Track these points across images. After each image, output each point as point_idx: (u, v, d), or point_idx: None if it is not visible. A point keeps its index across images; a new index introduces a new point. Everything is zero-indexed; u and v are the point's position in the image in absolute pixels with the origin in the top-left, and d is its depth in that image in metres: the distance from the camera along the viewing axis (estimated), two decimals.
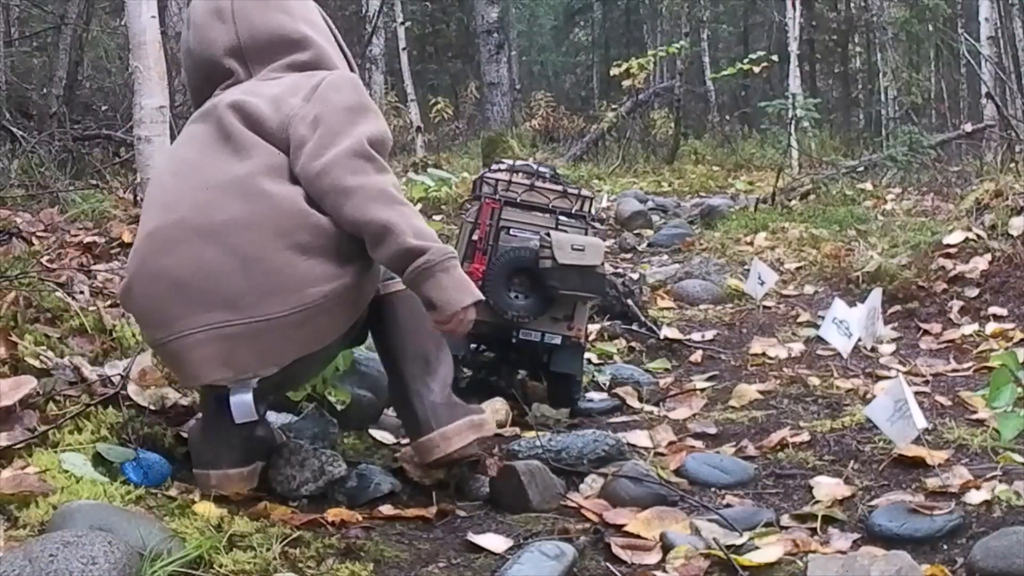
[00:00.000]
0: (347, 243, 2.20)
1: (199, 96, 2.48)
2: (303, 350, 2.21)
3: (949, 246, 4.54)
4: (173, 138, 4.83)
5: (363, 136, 2.25)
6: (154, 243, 2.20)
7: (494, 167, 3.30)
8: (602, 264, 3.10)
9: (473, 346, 3.23)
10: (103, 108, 8.39)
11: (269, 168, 2.23)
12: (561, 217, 3.16)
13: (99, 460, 2.30)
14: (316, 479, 2.40)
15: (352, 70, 2.52)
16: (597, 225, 3.43)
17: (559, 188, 3.21)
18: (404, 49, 10.83)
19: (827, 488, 2.41)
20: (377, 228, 2.17)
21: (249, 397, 2.20)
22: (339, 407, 2.77)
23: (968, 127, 9.34)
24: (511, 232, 3.11)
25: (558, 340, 3.11)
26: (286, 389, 2.54)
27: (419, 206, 6.86)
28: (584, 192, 3.26)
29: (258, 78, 2.40)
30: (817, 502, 2.35)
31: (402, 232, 2.16)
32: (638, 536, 2.20)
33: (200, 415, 2.45)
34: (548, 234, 3.03)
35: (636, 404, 3.34)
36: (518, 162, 3.35)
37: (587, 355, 3.62)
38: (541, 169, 3.30)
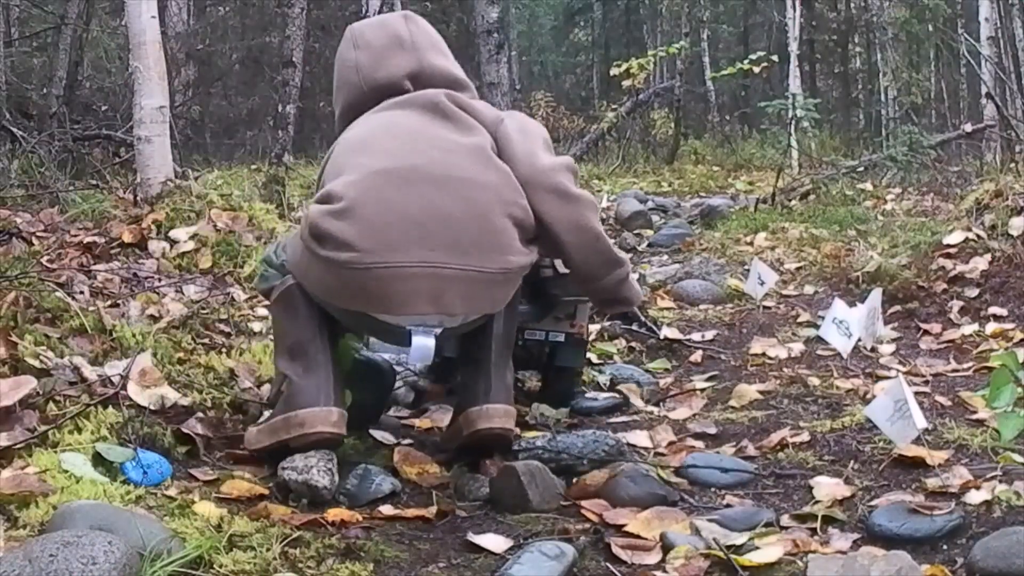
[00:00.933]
0: (535, 228, 2.51)
1: (355, 110, 2.73)
2: (492, 308, 2.47)
3: (949, 246, 4.54)
4: (173, 137, 4.85)
5: (569, 159, 2.66)
6: (387, 179, 2.38)
7: None
8: None
9: None
10: (103, 108, 8.39)
11: (492, 146, 2.53)
12: None
13: (99, 460, 2.30)
14: (300, 472, 2.38)
15: None
16: None
17: None
18: None
19: (827, 488, 2.40)
20: (593, 235, 2.60)
21: (432, 341, 2.38)
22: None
23: (968, 127, 9.34)
24: None
25: (561, 337, 3.19)
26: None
27: None
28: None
29: None
30: (817, 502, 2.35)
31: (609, 244, 2.67)
32: (638, 536, 2.20)
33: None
34: None
35: (639, 402, 3.34)
36: None
37: (588, 355, 3.62)
38: None
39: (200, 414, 2.67)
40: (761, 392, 3.33)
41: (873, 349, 3.74)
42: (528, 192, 2.50)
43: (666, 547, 2.11)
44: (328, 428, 2.39)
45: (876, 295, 3.70)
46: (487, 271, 2.38)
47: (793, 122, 9.47)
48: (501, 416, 2.55)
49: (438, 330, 2.40)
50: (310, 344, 2.47)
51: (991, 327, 3.87)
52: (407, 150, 2.45)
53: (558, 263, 3.03)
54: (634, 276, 2.72)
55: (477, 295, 2.39)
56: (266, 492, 2.37)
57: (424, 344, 2.39)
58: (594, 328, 3.99)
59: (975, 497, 2.21)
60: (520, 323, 3.08)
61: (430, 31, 2.88)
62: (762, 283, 4.49)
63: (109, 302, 3.40)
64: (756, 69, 10.55)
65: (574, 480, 2.52)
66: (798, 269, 5.38)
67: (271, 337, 3.39)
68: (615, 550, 2.12)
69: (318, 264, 2.39)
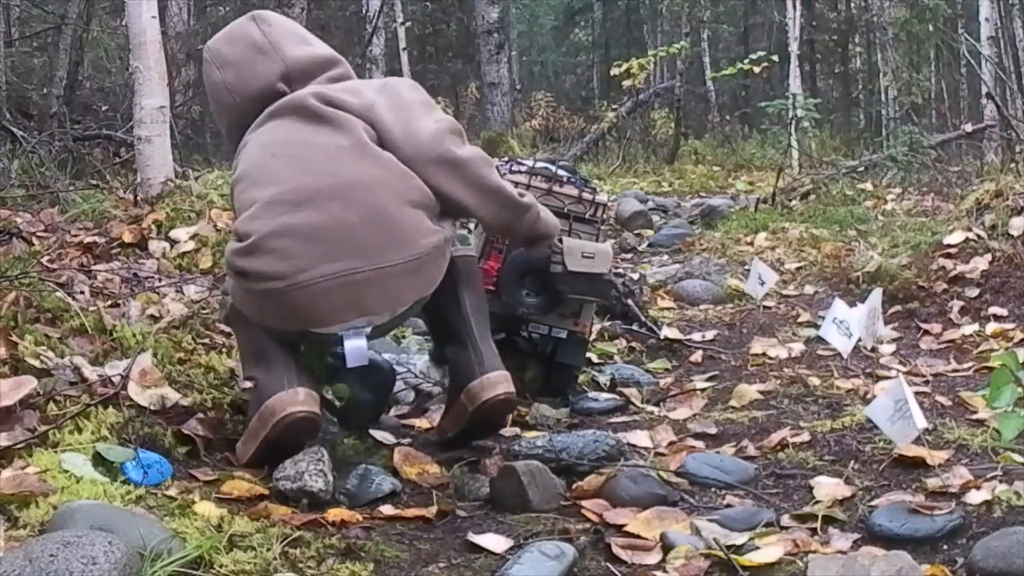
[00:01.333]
0: (437, 203, 2.56)
1: (241, 127, 2.76)
2: (419, 294, 2.53)
3: (949, 246, 4.54)
4: (173, 137, 4.85)
5: (449, 119, 2.67)
6: (280, 207, 2.47)
7: (514, 167, 3.36)
8: (609, 271, 3.20)
9: None
10: (103, 108, 8.39)
11: (371, 138, 2.56)
12: (575, 223, 3.27)
13: (99, 460, 2.30)
14: (293, 480, 2.38)
15: None
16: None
17: (574, 194, 3.30)
18: (404, 49, 10.84)
19: (827, 488, 2.40)
20: (492, 190, 2.63)
21: (363, 343, 2.47)
22: (337, 403, 2.77)
23: (968, 127, 9.34)
24: None
25: (564, 334, 3.23)
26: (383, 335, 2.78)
27: None
28: (599, 198, 3.32)
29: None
30: (817, 502, 2.35)
31: (511, 193, 2.69)
32: (638, 536, 2.20)
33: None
34: (560, 240, 3.11)
35: (639, 402, 3.35)
36: (538, 164, 3.39)
37: (588, 355, 3.63)
38: (559, 171, 3.37)
39: (200, 414, 2.67)
40: (761, 392, 3.33)
41: (873, 349, 3.74)
42: (418, 170, 2.55)
43: (666, 547, 2.11)
44: (296, 407, 2.42)
45: (876, 295, 3.70)
46: (398, 263, 2.46)
47: (793, 122, 9.47)
48: (503, 382, 2.63)
49: (367, 329, 2.50)
50: (267, 348, 2.55)
51: (991, 327, 3.87)
52: (293, 170, 2.53)
53: (568, 259, 3.10)
54: (545, 211, 2.83)
55: (396, 288, 2.48)
56: (266, 492, 2.37)
57: (357, 346, 2.47)
58: (594, 328, 3.99)
59: (975, 497, 2.21)
60: (526, 315, 3.18)
61: (283, 23, 2.84)
62: (762, 283, 4.49)
63: (109, 302, 3.40)
64: (756, 69, 10.55)
65: (574, 480, 2.53)
66: (798, 269, 5.39)
67: None
68: (615, 550, 2.12)
69: (246, 295, 2.55)
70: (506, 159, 3.57)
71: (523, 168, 3.34)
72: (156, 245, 4.23)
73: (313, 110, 2.60)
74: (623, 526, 2.25)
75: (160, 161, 4.57)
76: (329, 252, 2.42)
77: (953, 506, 2.19)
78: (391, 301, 2.49)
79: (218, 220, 4.43)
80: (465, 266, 2.78)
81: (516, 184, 3.15)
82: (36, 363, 2.63)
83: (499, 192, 2.66)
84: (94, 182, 5.83)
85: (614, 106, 13.22)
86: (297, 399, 2.44)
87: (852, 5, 16.89)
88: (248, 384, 2.57)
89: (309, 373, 2.58)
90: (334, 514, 2.26)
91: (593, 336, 3.85)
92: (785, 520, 2.28)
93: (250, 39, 2.77)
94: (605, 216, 3.30)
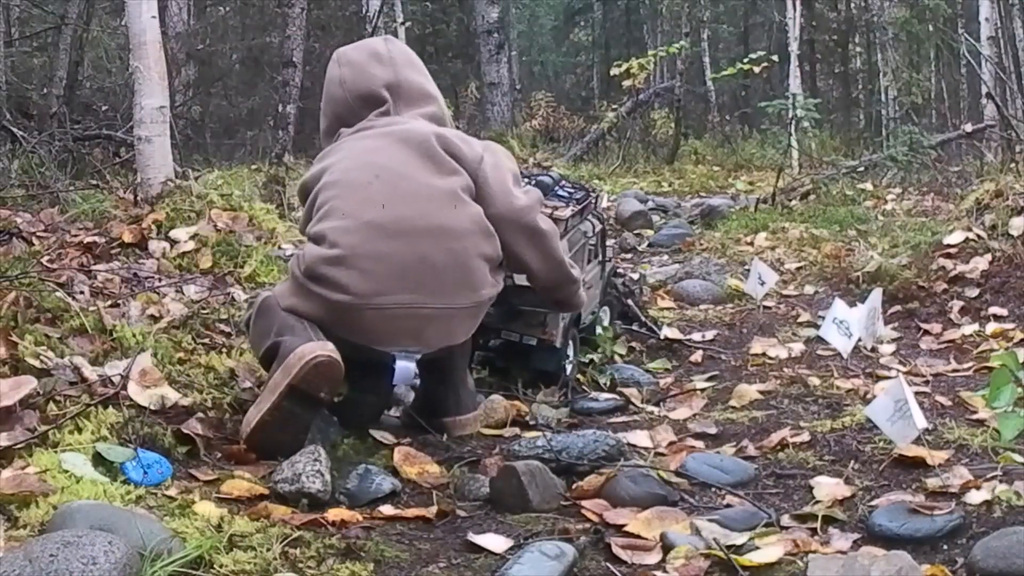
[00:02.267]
0: (501, 259, 2.87)
1: (341, 120, 3.03)
2: (465, 335, 2.83)
3: (949, 246, 4.54)
4: (173, 137, 4.85)
5: (536, 192, 3.06)
6: (378, 232, 2.70)
7: None
8: None
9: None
10: (103, 108, 8.40)
11: (466, 188, 2.82)
12: None
13: (99, 460, 2.30)
14: (291, 483, 2.38)
15: None
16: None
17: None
18: None
19: (827, 488, 2.40)
20: (557, 263, 3.02)
21: (413, 365, 2.72)
22: (335, 399, 2.77)
23: (968, 127, 9.33)
24: None
25: (534, 342, 3.33)
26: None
27: None
28: (558, 213, 3.34)
29: (409, 116, 2.98)
30: (817, 502, 2.35)
31: (568, 268, 3.08)
32: (638, 536, 2.20)
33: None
34: None
35: (640, 404, 3.35)
36: (535, 178, 3.52)
37: (590, 355, 3.63)
38: (542, 178, 3.50)
39: (200, 414, 2.67)
40: (761, 392, 3.33)
41: (873, 349, 3.74)
42: (501, 228, 2.86)
43: (666, 547, 2.11)
44: (325, 352, 2.52)
45: (876, 295, 3.70)
46: (463, 307, 2.76)
47: (793, 122, 9.47)
48: (471, 424, 2.95)
49: (418, 356, 2.75)
50: (295, 324, 2.66)
51: (991, 327, 3.87)
52: (395, 199, 2.75)
53: (515, 275, 3.19)
54: (582, 288, 3.21)
55: (453, 328, 2.78)
56: (266, 492, 2.37)
57: (407, 367, 2.73)
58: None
59: (975, 497, 2.21)
60: (493, 324, 3.28)
61: (407, 51, 3.16)
62: (762, 283, 4.49)
63: (109, 302, 3.40)
64: (756, 69, 10.55)
65: (574, 480, 2.53)
66: (798, 269, 5.39)
67: None
68: (615, 550, 2.12)
69: (311, 298, 2.70)
70: None
71: None
72: (156, 245, 4.23)
73: (431, 151, 2.83)
74: (623, 526, 2.25)
75: (160, 161, 4.57)
76: (409, 285, 2.68)
77: (953, 506, 2.19)
78: (447, 336, 2.78)
79: (218, 220, 4.43)
80: None
81: None
82: (36, 363, 2.63)
83: (562, 265, 3.05)
84: (94, 182, 5.83)
85: (614, 106, 13.21)
86: (326, 347, 2.54)
87: (852, 5, 16.88)
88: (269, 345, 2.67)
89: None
90: (334, 514, 2.26)
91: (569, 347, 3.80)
92: (785, 520, 2.28)
93: (373, 49, 3.08)
94: (564, 230, 3.33)
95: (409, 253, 2.69)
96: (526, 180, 3.44)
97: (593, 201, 3.67)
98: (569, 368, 3.44)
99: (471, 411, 2.96)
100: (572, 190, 3.56)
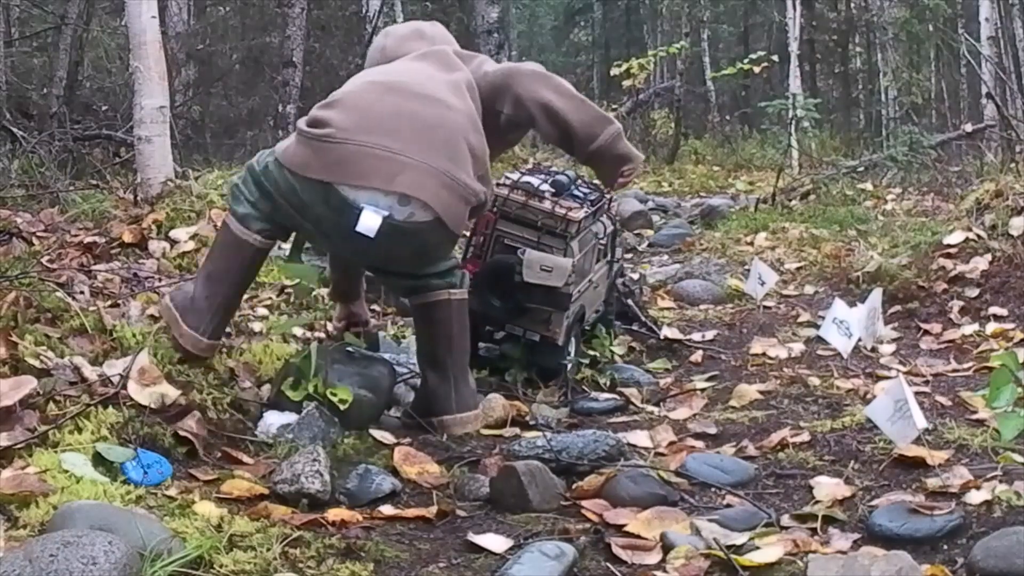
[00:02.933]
0: (486, 165, 2.92)
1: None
2: (436, 211, 2.74)
3: (949, 246, 4.54)
4: (173, 137, 4.84)
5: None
6: (374, 87, 2.87)
7: (519, 174, 3.57)
8: (566, 284, 3.29)
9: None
10: (103, 108, 8.40)
11: (469, 84, 2.99)
12: (544, 235, 3.37)
13: (99, 460, 2.30)
14: (291, 483, 2.39)
15: None
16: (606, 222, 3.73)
17: (547, 208, 3.38)
18: None
19: (827, 488, 2.40)
20: (579, 99, 3.15)
21: (378, 220, 2.69)
22: (341, 407, 2.77)
23: (968, 127, 9.33)
24: (505, 242, 3.39)
25: (537, 338, 3.36)
26: (386, 272, 3.09)
27: None
28: (572, 215, 3.37)
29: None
30: (817, 502, 2.35)
31: (594, 105, 3.23)
32: (638, 536, 2.20)
33: None
34: (523, 252, 3.29)
35: (640, 404, 3.35)
36: (532, 175, 3.54)
37: (591, 353, 3.64)
38: (559, 177, 3.51)
39: (197, 413, 2.67)
40: (761, 392, 3.33)
41: (873, 349, 3.74)
42: (514, 86, 3.04)
43: (666, 547, 2.11)
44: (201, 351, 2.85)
45: (876, 295, 3.70)
46: (440, 169, 2.74)
47: (793, 122, 9.47)
48: (472, 422, 2.96)
49: (385, 212, 2.71)
50: (224, 279, 2.88)
51: (991, 327, 3.87)
52: (397, 71, 2.97)
53: (526, 271, 3.25)
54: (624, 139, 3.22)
55: (425, 183, 2.72)
56: (266, 492, 2.37)
57: (371, 218, 2.70)
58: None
59: (975, 497, 2.21)
60: (499, 318, 3.38)
61: (448, 35, 3.31)
62: (762, 283, 4.49)
63: (109, 302, 3.40)
64: (756, 69, 10.55)
65: (574, 480, 2.53)
66: (798, 269, 5.38)
67: (272, 336, 3.41)
68: (615, 550, 2.12)
69: (301, 143, 2.77)
70: (534, 164, 3.87)
71: (507, 181, 3.48)
72: (156, 245, 4.23)
73: (438, 54, 3.06)
74: (623, 526, 2.25)
75: (160, 161, 4.57)
76: (393, 131, 2.73)
77: (953, 506, 2.19)
78: (418, 188, 2.72)
79: (218, 220, 4.43)
80: (459, 307, 3.00)
81: (496, 197, 3.36)
82: (36, 363, 2.63)
83: (584, 101, 3.14)
84: (94, 182, 5.83)
85: (614, 106, 13.20)
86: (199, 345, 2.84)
87: (852, 5, 16.88)
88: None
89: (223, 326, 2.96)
90: (334, 514, 2.26)
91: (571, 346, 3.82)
92: (785, 520, 2.28)
93: (419, 28, 3.27)
94: (576, 231, 3.39)
95: (402, 104, 2.80)
96: (542, 177, 3.51)
97: (607, 203, 3.70)
98: (569, 366, 3.46)
99: (471, 409, 2.96)
100: (587, 190, 3.57)
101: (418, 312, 3.03)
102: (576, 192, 3.52)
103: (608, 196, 3.68)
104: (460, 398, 2.95)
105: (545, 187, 3.47)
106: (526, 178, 3.50)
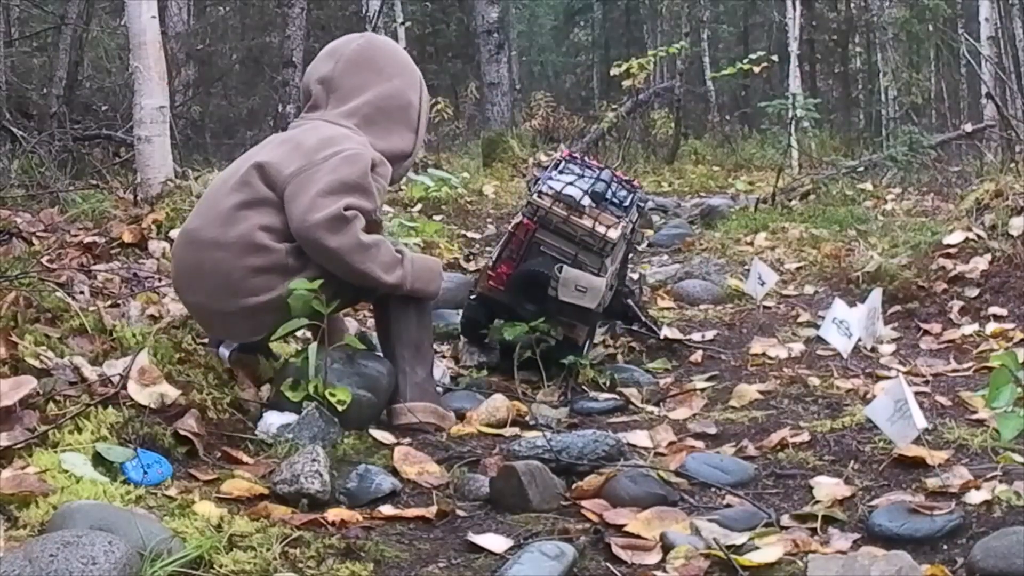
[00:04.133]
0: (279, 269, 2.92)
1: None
2: (252, 334, 3.01)
3: (949, 246, 4.54)
4: (173, 137, 4.85)
5: (342, 205, 2.87)
6: (181, 238, 3.08)
7: (553, 178, 3.64)
8: (600, 303, 3.47)
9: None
10: (103, 108, 8.40)
11: (251, 203, 2.93)
12: (582, 251, 3.50)
13: (99, 460, 2.30)
14: (290, 483, 2.39)
15: (412, 150, 3.22)
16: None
17: (588, 226, 3.48)
18: (404, 49, 10.85)
19: (827, 488, 2.40)
20: (359, 276, 2.94)
21: (226, 352, 3.07)
22: (339, 407, 2.77)
23: (968, 127, 9.32)
24: (541, 249, 3.52)
25: (560, 337, 3.51)
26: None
27: (419, 206, 6.86)
28: (610, 234, 3.47)
29: (335, 113, 3.10)
30: (817, 502, 2.35)
31: (385, 278, 2.96)
32: (638, 536, 2.20)
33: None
34: (561, 269, 3.43)
35: (640, 404, 3.35)
36: (569, 183, 3.60)
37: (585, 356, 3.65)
38: (596, 187, 3.59)
39: (197, 412, 2.67)
40: (761, 392, 3.33)
41: (873, 349, 3.74)
42: (302, 245, 2.90)
43: (666, 547, 2.11)
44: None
45: (876, 295, 3.70)
46: (230, 311, 2.94)
47: (793, 122, 9.46)
48: (421, 412, 3.01)
49: (234, 345, 3.08)
50: None
51: (991, 327, 3.87)
52: (200, 211, 3.07)
53: (561, 289, 3.41)
54: (415, 276, 3.06)
55: (233, 326, 3.00)
56: (266, 492, 2.37)
57: (223, 352, 3.07)
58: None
59: (975, 497, 2.21)
60: (526, 319, 3.49)
61: (370, 50, 3.19)
62: (762, 283, 4.49)
63: (109, 302, 3.40)
64: (756, 69, 10.53)
65: (574, 480, 2.53)
66: (798, 269, 5.38)
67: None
68: (615, 550, 2.12)
69: None
70: (555, 162, 3.83)
71: (557, 184, 3.58)
72: (156, 245, 4.23)
73: (245, 172, 2.98)
74: (623, 526, 2.25)
75: (160, 161, 4.58)
76: (193, 287, 3.01)
77: (953, 506, 2.19)
78: (234, 332, 3.04)
79: None
80: (399, 306, 3.09)
81: (538, 208, 3.50)
82: (36, 363, 2.63)
83: (365, 277, 2.95)
84: (94, 182, 5.84)
85: (614, 106, 13.20)
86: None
87: (852, 5, 16.88)
88: None
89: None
90: (334, 514, 2.26)
91: (596, 341, 3.88)
92: (785, 520, 2.28)
93: (334, 45, 3.23)
94: (613, 248, 3.53)
95: (192, 259, 2.99)
96: (578, 173, 3.65)
97: (640, 204, 3.81)
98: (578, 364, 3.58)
99: (416, 400, 3.03)
100: (623, 192, 3.68)
101: (375, 310, 3.24)
102: (614, 198, 3.61)
103: (638, 188, 3.82)
104: (412, 388, 3.03)
105: (586, 200, 3.54)
106: (567, 181, 3.59)
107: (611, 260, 3.54)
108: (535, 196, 3.56)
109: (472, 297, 3.71)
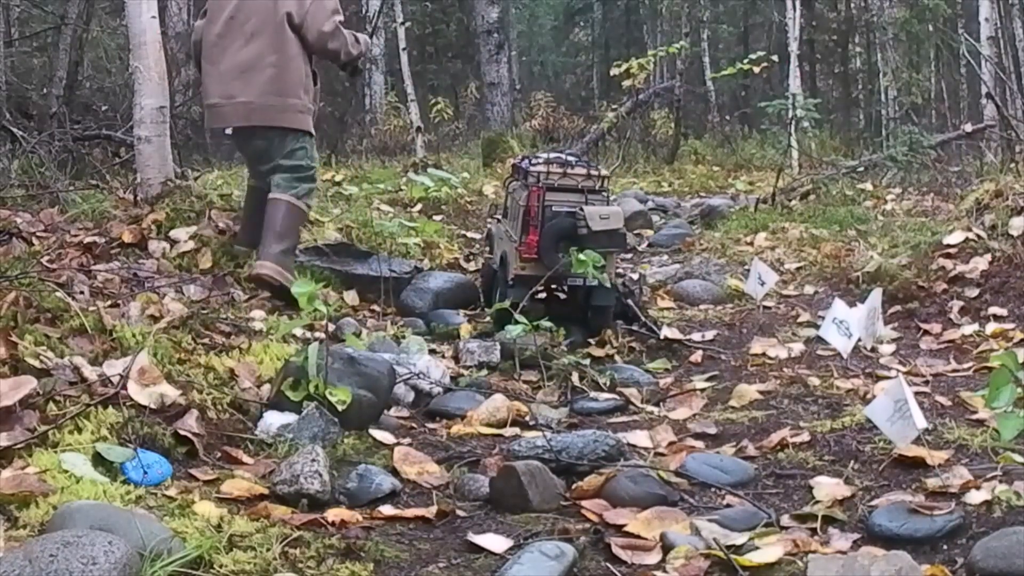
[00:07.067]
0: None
1: None
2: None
3: (949, 246, 4.54)
4: (173, 137, 4.85)
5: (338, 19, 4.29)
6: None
7: (532, 159, 4.25)
8: (623, 225, 4.05)
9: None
10: (103, 108, 8.39)
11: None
12: (589, 195, 4.09)
13: (99, 460, 2.30)
14: (290, 484, 2.38)
15: None
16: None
17: (584, 172, 4.13)
18: (404, 49, 10.80)
19: (827, 488, 2.41)
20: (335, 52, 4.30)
21: None
22: (340, 407, 2.77)
23: (968, 127, 9.31)
24: (553, 209, 4.04)
25: (596, 283, 3.92)
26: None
27: (419, 206, 6.85)
28: (602, 171, 4.22)
29: None
30: (817, 502, 2.35)
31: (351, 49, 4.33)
32: (638, 536, 2.20)
33: None
34: (581, 208, 4.00)
35: (640, 404, 3.35)
36: (552, 155, 4.26)
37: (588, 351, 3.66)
38: (569, 157, 4.23)
39: (197, 412, 2.67)
40: (761, 392, 3.33)
41: (873, 349, 3.74)
42: (309, 39, 4.21)
43: (666, 547, 2.11)
44: None
45: (876, 295, 3.70)
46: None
47: (793, 122, 9.46)
48: (269, 270, 3.96)
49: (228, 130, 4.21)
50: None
51: (991, 327, 3.87)
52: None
53: (590, 222, 3.92)
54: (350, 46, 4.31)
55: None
56: (266, 492, 2.37)
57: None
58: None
59: (975, 497, 2.21)
60: (563, 273, 3.93)
61: None
62: (762, 283, 4.49)
63: (109, 302, 3.40)
64: (756, 69, 10.51)
65: (574, 480, 2.53)
66: (798, 269, 5.38)
67: (271, 336, 3.42)
68: (615, 550, 2.12)
69: None
70: (522, 156, 4.69)
71: (540, 159, 4.20)
72: (156, 245, 4.23)
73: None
74: (623, 526, 2.25)
75: (160, 161, 4.57)
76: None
77: (953, 506, 2.19)
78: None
79: (218, 220, 4.43)
80: (273, 209, 4.08)
81: (539, 174, 4.10)
82: (36, 363, 2.63)
83: (336, 56, 4.33)
84: (94, 182, 5.83)
85: (614, 106, 13.19)
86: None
87: (852, 5, 16.87)
88: None
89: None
90: (334, 514, 2.26)
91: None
92: (785, 520, 2.28)
93: None
94: (609, 186, 4.20)
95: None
96: (555, 157, 4.24)
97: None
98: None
99: (270, 262, 3.96)
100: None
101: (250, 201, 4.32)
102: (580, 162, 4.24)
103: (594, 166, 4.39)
104: (266, 256, 3.99)
105: (571, 158, 4.20)
106: (544, 158, 4.18)
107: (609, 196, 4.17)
108: (530, 168, 4.11)
109: (510, 284, 4.07)
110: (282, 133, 4.10)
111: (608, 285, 3.99)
